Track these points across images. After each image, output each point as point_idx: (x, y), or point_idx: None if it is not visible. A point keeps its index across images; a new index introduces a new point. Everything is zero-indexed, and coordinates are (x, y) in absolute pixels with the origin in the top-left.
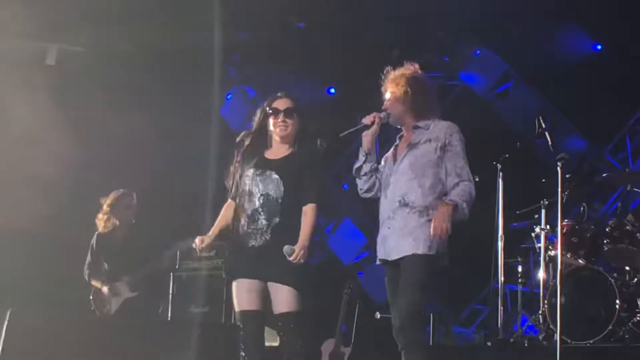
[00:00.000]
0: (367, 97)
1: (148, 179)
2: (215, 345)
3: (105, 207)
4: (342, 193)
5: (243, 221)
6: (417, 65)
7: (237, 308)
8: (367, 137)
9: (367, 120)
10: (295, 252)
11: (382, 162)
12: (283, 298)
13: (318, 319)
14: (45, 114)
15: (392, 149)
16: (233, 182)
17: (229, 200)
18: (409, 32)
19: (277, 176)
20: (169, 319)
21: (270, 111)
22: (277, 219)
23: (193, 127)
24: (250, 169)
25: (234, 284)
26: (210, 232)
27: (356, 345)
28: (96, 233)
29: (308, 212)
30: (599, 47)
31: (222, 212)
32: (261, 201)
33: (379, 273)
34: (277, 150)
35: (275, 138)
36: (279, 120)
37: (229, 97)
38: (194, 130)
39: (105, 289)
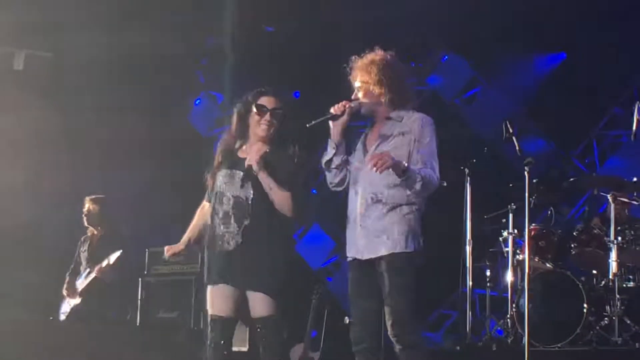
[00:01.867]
0: (332, 101)
1: (122, 184)
2: (183, 350)
3: (85, 207)
4: (310, 198)
5: (216, 223)
6: (388, 51)
7: (209, 311)
8: (336, 128)
9: (336, 109)
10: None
11: (352, 154)
12: (260, 303)
13: (287, 324)
14: (17, 119)
15: (360, 141)
16: (210, 183)
17: (204, 202)
18: (376, 37)
19: (244, 175)
20: (137, 324)
21: (256, 108)
22: (246, 222)
23: (162, 133)
24: (223, 169)
25: (209, 288)
26: (182, 240)
27: (325, 349)
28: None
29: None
30: (564, 54)
31: (196, 216)
32: (232, 203)
33: (347, 278)
34: (251, 148)
35: (254, 136)
36: (265, 119)
37: (197, 102)
38: (163, 136)
39: (64, 292)
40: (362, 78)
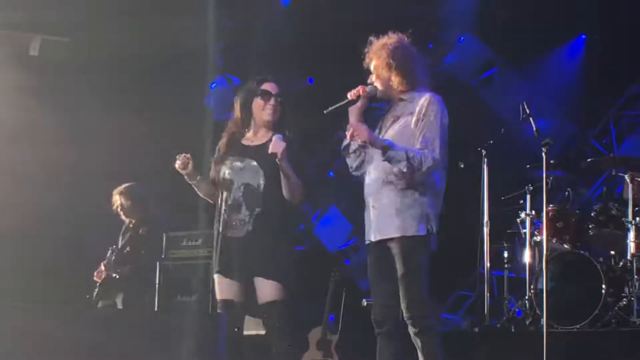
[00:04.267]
0: (347, 80)
1: (138, 173)
2: (202, 334)
3: (116, 202)
4: (327, 181)
5: (224, 211)
6: (401, 34)
7: (218, 296)
8: (353, 113)
9: (352, 94)
10: (280, 144)
11: None
12: (267, 289)
13: (304, 308)
14: (30, 107)
15: (379, 123)
16: (216, 172)
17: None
18: (392, 18)
19: (255, 164)
20: (155, 309)
21: (260, 94)
22: (258, 209)
23: (178, 118)
24: (229, 157)
25: (216, 275)
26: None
27: (343, 332)
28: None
29: None
30: (584, 36)
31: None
32: (242, 191)
33: (365, 260)
34: (255, 136)
35: (259, 122)
36: (269, 104)
37: (213, 86)
38: (180, 121)
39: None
40: (375, 62)
